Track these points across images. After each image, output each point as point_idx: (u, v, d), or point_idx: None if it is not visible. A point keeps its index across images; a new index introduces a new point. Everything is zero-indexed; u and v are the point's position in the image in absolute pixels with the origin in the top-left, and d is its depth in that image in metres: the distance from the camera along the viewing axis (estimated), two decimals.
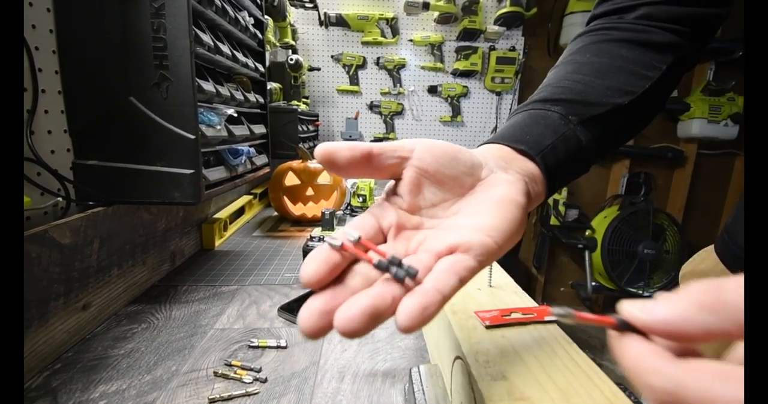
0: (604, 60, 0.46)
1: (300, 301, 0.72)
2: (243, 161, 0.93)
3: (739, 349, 0.20)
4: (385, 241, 0.32)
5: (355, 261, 0.28)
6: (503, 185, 0.34)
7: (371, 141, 2.46)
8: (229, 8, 0.86)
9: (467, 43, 2.39)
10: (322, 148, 0.30)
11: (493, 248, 0.30)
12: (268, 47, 1.45)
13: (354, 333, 0.23)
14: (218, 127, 0.77)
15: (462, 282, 0.27)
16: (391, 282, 0.26)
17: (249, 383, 0.52)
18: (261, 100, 1.12)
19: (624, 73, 0.44)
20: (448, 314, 0.46)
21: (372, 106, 2.44)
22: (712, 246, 0.72)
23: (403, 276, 0.26)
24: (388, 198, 0.34)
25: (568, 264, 2.91)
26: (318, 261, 0.26)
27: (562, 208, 2.58)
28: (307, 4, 2.07)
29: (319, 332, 0.24)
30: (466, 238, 0.29)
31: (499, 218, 0.31)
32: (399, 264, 0.26)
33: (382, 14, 2.29)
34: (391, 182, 0.35)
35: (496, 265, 0.58)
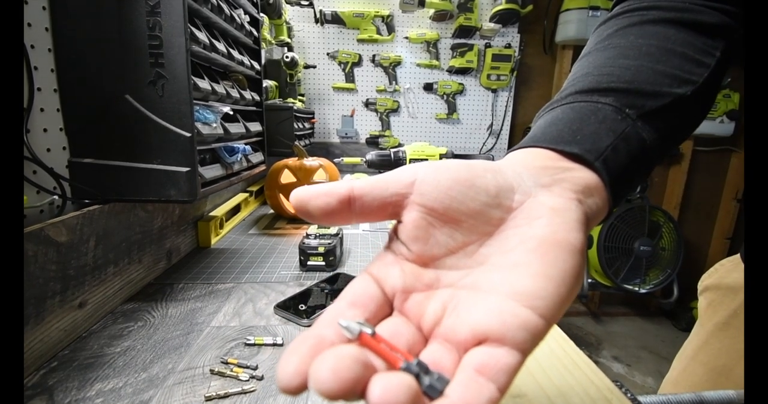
0: (653, 42, 0.37)
1: (296, 299, 0.72)
2: (239, 159, 0.92)
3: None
4: (391, 313, 0.25)
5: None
6: (546, 217, 0.25)
7: (366, 139, 2.45)
8: (224, 6, 0.86)
9: (463, 41, 2.39)
10: (295, 196, 0.25)
11: (540, 327, 0.21)
12: (263, 45, 1.44)
13: None
14: (214, 125, 0.77)
15: (501, 391, 0.20)
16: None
17: (245, 381, 0.52)
18: (257, 97, 1.12)
19: (678, 58, 0.36)
20: None
21: (368, 104, 2.44)
22: (736, 257, 0.67)
23: (440, 390, 0.20)
24: (391, 245, 0.27)
25: None
26: (311, 353, 0.19)
27: None
28: (303, 2, 2.07)
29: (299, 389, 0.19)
30: (498, 320, 0.21)
31: (544, 276, 0.22)
32: (426, 372, 0.20)
33: (378, 11, 2.28)
34: (393, 224, 0.27)
35: None
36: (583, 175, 0.29)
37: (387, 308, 0.25)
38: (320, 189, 0.25)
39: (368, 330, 0.21)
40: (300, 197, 0.25)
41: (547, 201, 0.26)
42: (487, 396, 0.19)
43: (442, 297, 0.24)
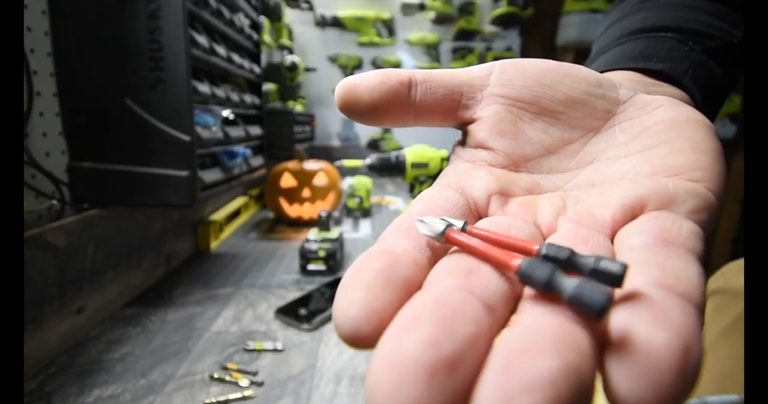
0: (689, 2, 0.33)
1: (297, 304, 0.72)
2: (239, 162, 0.92)
3: None
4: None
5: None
6: (668, 105, 0.21)
7: (367, 143, 2.45)
8: (224, 10, 0.85)
9: (464, 44, 2.39)
10: (341, 84, 0.20)
11: (711, 200, 0.17)
12: (264, 48, 1.44)
13: None
14: (214, 129, 0.77)
15: (702, 262, 0.14)
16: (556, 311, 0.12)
17: (245, 387, 0.51)
18: (257, 101, 1.11)
19: (714, 18, 0.32)
20: None
21: None
22: (742, 260, 0.63)
23: (620, 274, 0.12)
24: (463, 155, 0.22)
25: None
26: (380, 281, 0.13)
27: None
28: (303, 5, 2.07)
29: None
30: (657, 186, 0.17)
31: (693, 149, 0.18)
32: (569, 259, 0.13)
33: (379, 15, 2.29)
34: (456, 140, 0.23)
35: None
36: (674, 92, 0.26)
37: (472, 217, 0.19)
38: (372, 72, 0.20)
39: (459, 222, 0.16)
40: (347, 82, 0.20)
41: (659, 97, 0.22)
42: (695, 266, 0.13)
43: (552, 196, 0.19)
